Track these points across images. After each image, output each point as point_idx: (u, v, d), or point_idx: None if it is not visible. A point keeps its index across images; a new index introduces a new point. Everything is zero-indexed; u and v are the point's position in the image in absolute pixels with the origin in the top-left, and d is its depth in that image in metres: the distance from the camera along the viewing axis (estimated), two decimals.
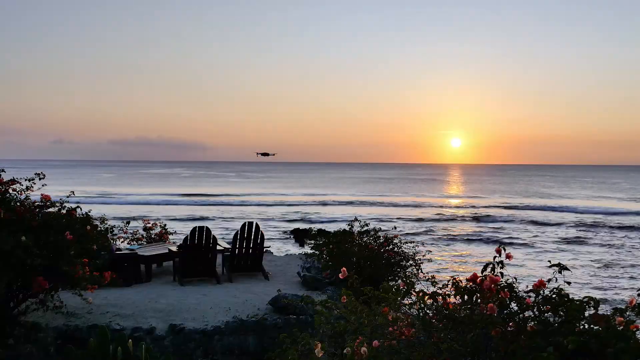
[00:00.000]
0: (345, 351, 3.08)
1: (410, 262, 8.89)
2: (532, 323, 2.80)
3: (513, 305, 2.99)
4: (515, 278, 3.07)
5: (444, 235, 23.55)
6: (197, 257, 8.32)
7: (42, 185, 5.95)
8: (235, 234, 8.65)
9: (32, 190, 5.91)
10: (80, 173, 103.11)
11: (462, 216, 32.07)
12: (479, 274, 3.05)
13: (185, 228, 21.05)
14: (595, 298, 2.78)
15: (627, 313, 2.66)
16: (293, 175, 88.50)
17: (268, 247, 11.74)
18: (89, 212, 6.09)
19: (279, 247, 18.97)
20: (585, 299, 2.77)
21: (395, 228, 10.91)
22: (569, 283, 3.01)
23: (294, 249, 18.56)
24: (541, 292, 2.90)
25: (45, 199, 5.62)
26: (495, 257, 3.07)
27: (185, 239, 8.22)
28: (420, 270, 8.72)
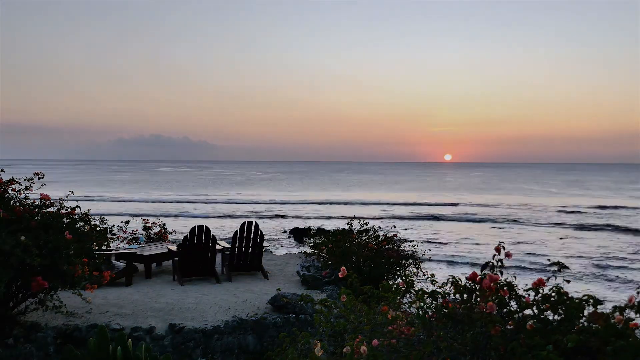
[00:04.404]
0: (344, 350, 3.08)
1: (410, 260, 8.91)
2: (532, 321, 2.80)
3: (512, 303, 2.99)
4: (514, 276, 3.07)
5: (443, 233, 23.55)
6: (196, 257, 8.32)
7: (41, 185, 5.96)
8: (235, 233, 8.66)
9: (32, 190, 5.91)
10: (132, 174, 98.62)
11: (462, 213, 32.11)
12: (478, 273, 3.06)
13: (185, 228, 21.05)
14: (595, 296, 2.78)
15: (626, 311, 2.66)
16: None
17: (267, 246, 11.74)
18: (89, 211, 6.09)
19: (278, 246, 18.97)
20: (584, 297, 2.78)
21: (394, 227, 10.91)
22: (568, 281, 3.01)
23: (293, 248, 18.56)
24: (540, 290, 2.90)
25: (45, 198, 5.62)
26: (494, 255, 3.07)
27: (185, 238, 8.22)
28: (419, 269, 8.73)
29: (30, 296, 5.64)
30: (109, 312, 6.44)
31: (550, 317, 2.83)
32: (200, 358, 5.85)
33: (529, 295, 2.95)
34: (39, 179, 5.97)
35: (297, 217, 30.57)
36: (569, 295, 2.84)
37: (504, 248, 3.08)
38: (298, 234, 21.18)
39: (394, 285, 3.80)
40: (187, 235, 8.22)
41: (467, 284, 3.07)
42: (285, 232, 23.42)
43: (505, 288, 2.97)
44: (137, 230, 11.22)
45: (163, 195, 47.57)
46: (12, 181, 5.74)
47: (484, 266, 3.07)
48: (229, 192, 51.39)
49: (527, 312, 2.91)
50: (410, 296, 3.44)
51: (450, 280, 3.19)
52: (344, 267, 3.74)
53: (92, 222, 6.01)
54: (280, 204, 39.87)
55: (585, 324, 2.71)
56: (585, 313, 2.75)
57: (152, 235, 11.30)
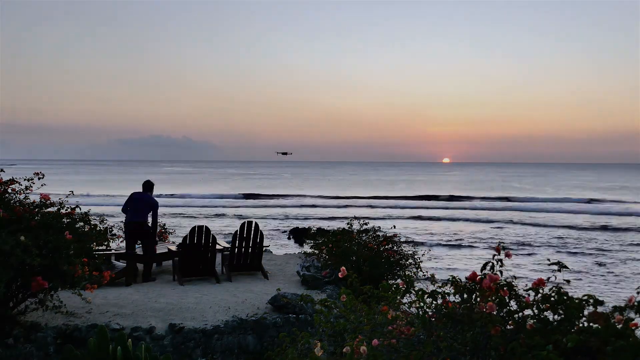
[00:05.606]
0: (344, 350, 3.08)
1: (410, 260, 8.91)
2: (532, 321, 2.80)
3: (512, 303, 2.99)
4: (514, 276, 3.07)
5: (443, 234, 23.54)
6: (196, 257, 8.32)
7: (42, 185, 5.96)
8: (235, 233, 8.65)
9: (31, 190, 5.91)
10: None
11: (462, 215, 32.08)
12: (478, 273, 3.05)
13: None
14: (595, 296, 2.77)
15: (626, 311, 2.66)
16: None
17: (267, 247, 11.74)
18: (88, 211, 6.09)
19: (278, 246, 18.95)
20: (584, 297, 2.77)
21: (394, 227, 10.89)
22: (568, 281, 3.01)
23: (293, 248, 18.54)
24: (540, 290, 2.90)
25: (45, 198, 5.62)
26: (494, 255, 3.07)
27: (185, 238, 8.22)
28: (419, 269, 8.73)
29: (30, 296, 5.64)
30: (109, 312, 6.44)
31: (550, 317, 2.83)
32: (200, 358, 5.85)
33: (528, 295, 2.95)
34: (39, 179, 5.97)
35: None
36: (569, 295, 2.84)
37: (503, 248, 3.08)
38: (297, 234, 21.10)
39: (394, 285, 3.80)
40: (187, 235, 8.21)
41: (467, 284, 3.07)
42: (285, 232, 23.36)
43: (505, 288, 2.97)
44: None
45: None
46: (12, 181, 5.74)
47: (484, 266, 3.07)
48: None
49: (527, 312, 2.91)
50: (410, 296, 3.44)
51: (451, 280, 3.19)
52: (344, 267, 3.74)
53: (92, 222, 6.01)
54: None
55: (585, 324, 2.71)
56: (585, 313, 2.74)
57: None
